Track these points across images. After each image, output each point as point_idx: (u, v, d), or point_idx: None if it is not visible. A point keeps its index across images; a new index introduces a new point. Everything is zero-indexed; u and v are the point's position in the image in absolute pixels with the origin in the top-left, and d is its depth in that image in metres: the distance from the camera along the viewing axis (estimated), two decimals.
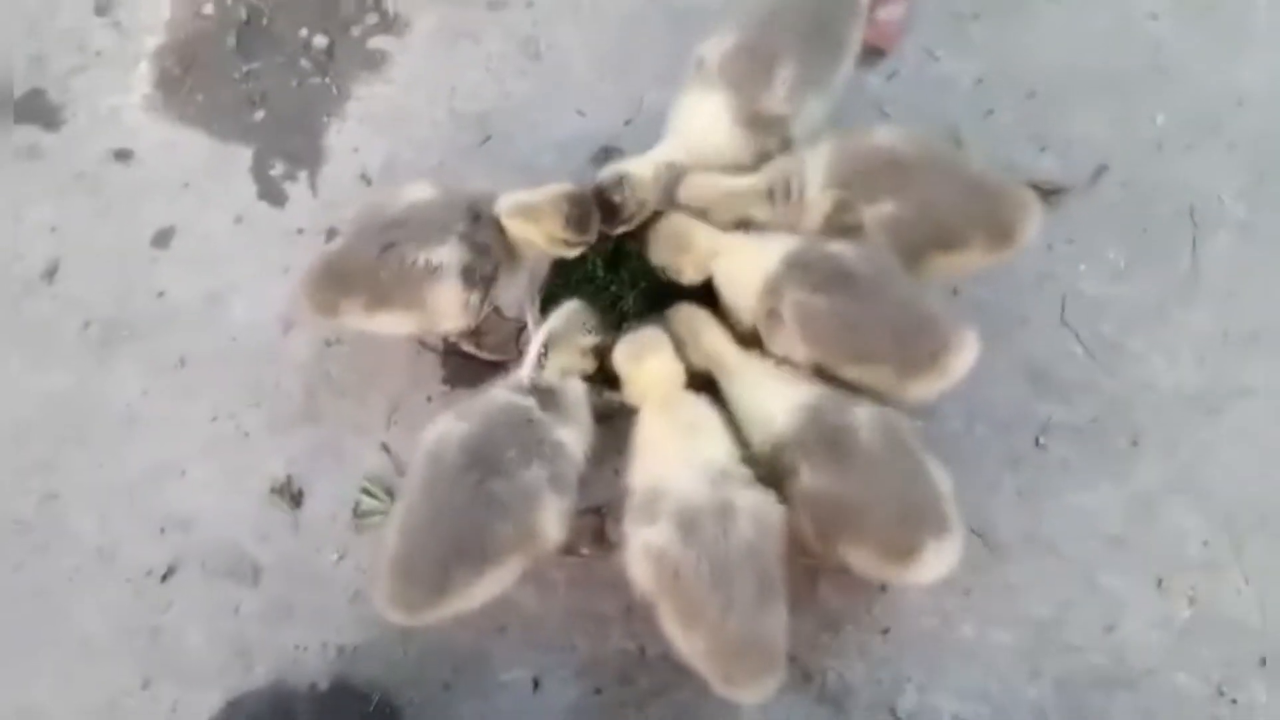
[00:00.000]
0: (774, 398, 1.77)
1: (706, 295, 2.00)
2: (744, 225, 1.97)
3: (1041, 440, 2.05)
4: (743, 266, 1.87)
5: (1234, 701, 1.87)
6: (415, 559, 1.68)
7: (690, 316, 1.90)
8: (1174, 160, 2.24)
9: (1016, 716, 1.89)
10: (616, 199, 1.95)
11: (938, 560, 1.69)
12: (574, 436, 1.80)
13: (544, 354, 1.85)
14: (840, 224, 1.88)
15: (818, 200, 1.89)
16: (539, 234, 1.93)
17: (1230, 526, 1.98)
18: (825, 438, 1.70)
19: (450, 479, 1.70)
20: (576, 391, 1.86)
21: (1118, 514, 2.00)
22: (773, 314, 1.81)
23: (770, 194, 1.92)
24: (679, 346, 1.87)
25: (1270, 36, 2.32)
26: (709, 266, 1.92)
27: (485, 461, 1.70)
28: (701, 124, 1.98)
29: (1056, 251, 2.17)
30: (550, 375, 1.84)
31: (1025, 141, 2.26)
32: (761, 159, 1.98)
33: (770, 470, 1.74)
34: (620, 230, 2.00)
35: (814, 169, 1.89)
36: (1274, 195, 2.20)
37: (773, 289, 1.80)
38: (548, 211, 1.92)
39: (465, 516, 1.68)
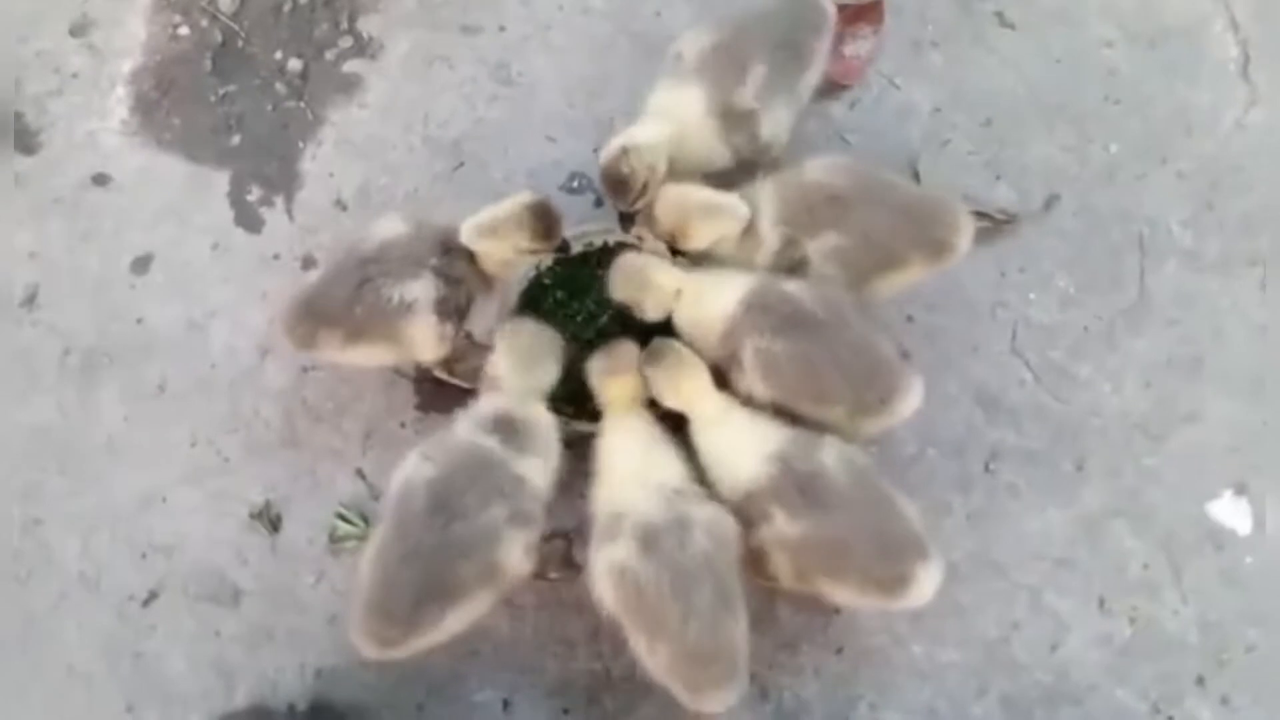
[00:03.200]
0: (742, 447, 1.76)
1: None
2: (707, 256, 1.95)
3: (991, 465, 2.04)
4: (702, 307, 1.85)
5: (1171, 718, 1.89)
6: (387, 599, 1.69)
7: (674, 360, 1.84)
8: (1125, 189, 2.22)
9: None
10: (625, 170, 1.89)
11: (929, 582, 1.71)
12: (537, 467, 1.79)
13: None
14: (788, 259, 1.89)
15: (767, 237, 1.89)
16: (506, 248, 1.90)
17: (1169, 549, 1.98)
18: (798, 485, 1.70)
19: (418, 523, 1.71)
20: (543, 422, 1.85)
21: (1063, 537, 2.00)
22: (733, 358, 1.80)
23: (750, 225, 1.90)
24: (655, 392, 1.84)
25: (1219, 66, 2.29)
26: (670, 305, 1.89)
27: (448, 506, 1.71)
28: (679, 111, 1.96)
29: (1009, 279, 2.16)
30: (517, 401, 1.82)
31: (981, 169, 2.24)
32: (735, 155, 1.98)
33: (740, 516, 1.73)
34: (638, 206, 1.93)
35: (763, 207, 1.90)
36: (1219, 223, 2.19)
37: (732, 333, 1.79)
38: (509, 225, 1.89)
39: (432, 558, 1.69)
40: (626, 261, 1.93)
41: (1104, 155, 2.24)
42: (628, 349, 1.87)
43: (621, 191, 1.91)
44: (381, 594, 1.69)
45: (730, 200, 1.90)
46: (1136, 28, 2.32)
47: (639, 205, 1.94)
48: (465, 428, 1.80)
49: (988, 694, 1.91)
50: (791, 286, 1.81)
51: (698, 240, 1.91)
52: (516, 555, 1.74)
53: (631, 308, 1.93)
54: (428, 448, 1.78)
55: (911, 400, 1.79)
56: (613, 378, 1.84)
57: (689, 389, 1.82)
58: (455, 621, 1.72)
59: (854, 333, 1.79)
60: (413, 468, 1.76)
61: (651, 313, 1.91)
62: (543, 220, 1.89)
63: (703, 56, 1.96)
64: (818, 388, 1.78)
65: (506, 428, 1.79)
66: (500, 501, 1.72)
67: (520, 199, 1.90)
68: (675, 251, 1.98)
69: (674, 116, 1.95)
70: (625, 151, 1.89)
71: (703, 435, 1.81)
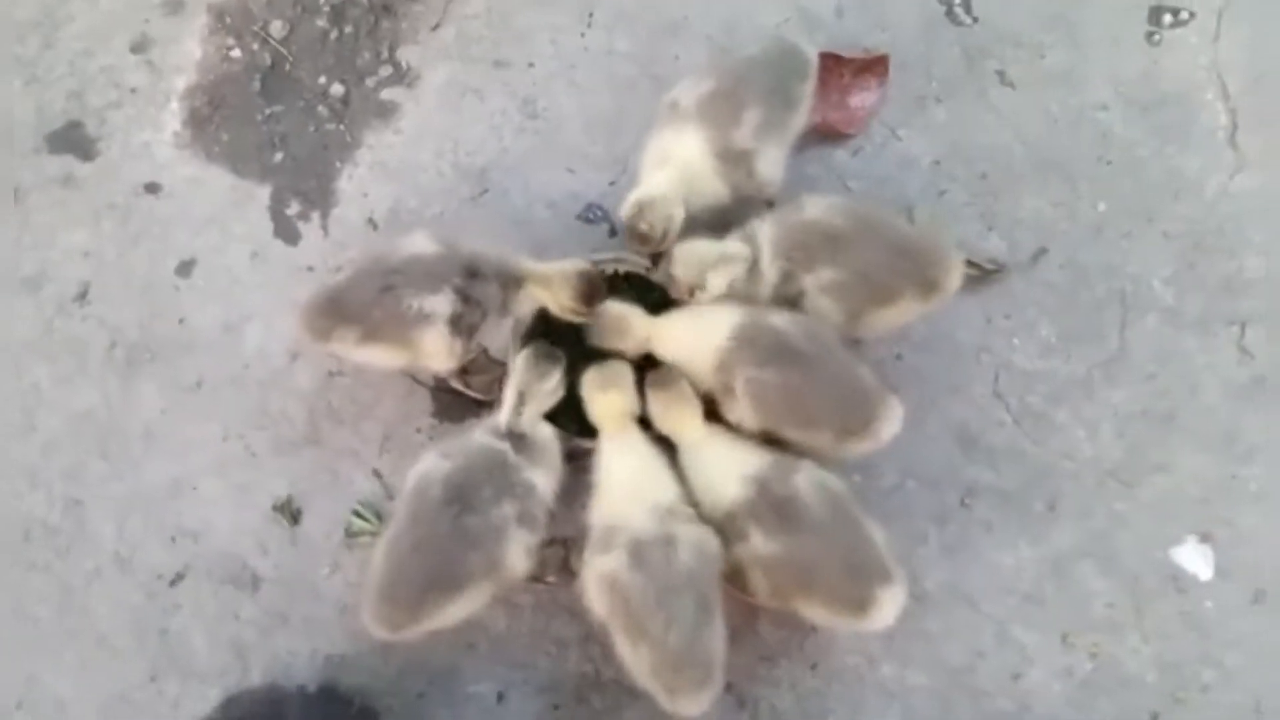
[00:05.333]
0: (724, 470, 1.87)
1: None
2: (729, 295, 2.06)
3: (967, 501, 2.14)
4: (692, 343, 1.97)
5: None
6: (397, 583, 1.82)
7: (675, 391, 1.96)
8: (1111, 245, 2.30)
9: None
10: (644, 226, 2.04)
11: (891, 606, 1.81)
12: (544, 477, 1.92)
13: (520, 404, 1.96)
14: (785, 293, 2.00)
15: (767, 272, 2.00)
16: (550, 300, 2.07)
17: (1133, 590, 2.07)
18: (774, 508, 1.81)
19: (432, 512, 1.83)
20: (547, 436, 1.98)
21: (1032, 573, 2.08)
22: (726, 388, 1.91)
23: (753, 262, 2.02)
24: (652, 409, 1.96)
25: (1209, 132, 2.37)
26: (646, 348, 2.03)
27: (462, 498, 1.83)
28: (683, 150, 2.09)
29: (995, 326, 2.25)
30: (526, 422, 1.95)
31: (975, 220, 2.33)
32: (734, 192, 2.10)
33: (721, 534, 1.84)
34: (661, 250, 2.07)
35: (763, 243, 2.01)
36: (1199, 283, 2.27)
37: (725, 365, 1.90)
38: (558, 283, 2.05)
39: (442, 546, 1.81)
40: (606, 313, 2.04)
41: (1093, 212, 2.33)
42: (620, 368, 2.00)
43: (645, 243, 2.05)
44: (392, 580, 1.81)
45: (735, 247, 2.02)
46: (1132, 93, 2.40)
47: (662, 250, 2.07)
48: (481, 434, 1.94)
49: (951, 717, 2.00)
50: (778, 320, 1.92)
51: (717, 289, 2.02)
52: (517, 555, 1.85)
53: (617, 353, 2.04)
54: (445, 447, 1.92)
55: (892, 424, 1.89)
56: (601, 393, 1.96)
57: (677, 416, 1.94)
58: (457, 610, 1.83)
59: (837, 362, 1.90)
60: (430, 463, 1.88)
61: (632, 355, 2.03)
62: (587, 288, 2.04)
63: (700, 103, 2.08)
64: (804, 414, 1.89)
65: (518, 439, 1.92)
66: (511, 500, 1.85)
67: (576, 263, 2.07)
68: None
69: (676, 158, 2.07)
70: (641, 207, 2.03)
71: (687, 458, 1.92)
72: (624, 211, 2.06)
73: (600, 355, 2.13)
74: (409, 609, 1.80)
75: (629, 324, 2.02)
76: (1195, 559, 2.08)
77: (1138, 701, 2.00)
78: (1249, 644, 2.03)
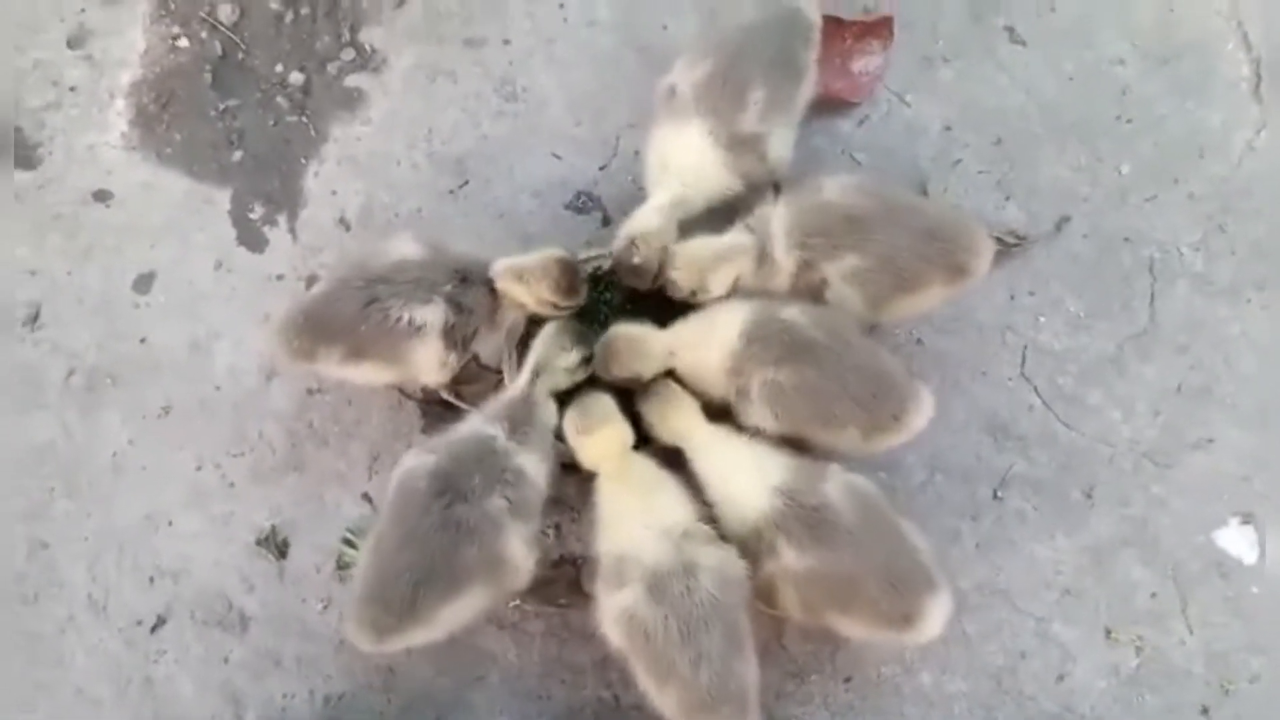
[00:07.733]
0: (746, 481, 1.69)
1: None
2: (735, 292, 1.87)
3: (999, 493, 1.97)
4: (699, 352, 1.77)
5: None
6: (385, 584, 1.63)
7: (660, 397, 1.79)
8: (1136, 211, 2.12)
9: None
10: (637, 261, 1.85)
11: (938, 616, 1.65)
12: (535, 463, 1.74)
13: (535, 376, 1.80)
14: (806, 282, 1.81)
15: (783, 262, 1.81)
16: (528, 296, 1.85)
17: (1178, 578, 1.92)
18: (804, 520, 1.63)
19: (418, 506, 1.64)
20: (548, 417, 1.79)
21: (1071, 565, 1.93)
22: (741, 392, 1.72)
23: (761, 252, 1.82)
24: (648, 427, 1.77)
25: (1231, 85, 2.18)
26: (667, 365, 1.81)
27: (452, 488, 1.65)
28: (686, 153, 1.89)
29: (1018, 303, 2.07)
30: (539, 394, 1.79)
31: (991, 190, 2.13)
32: (745, 179, 1.90)
33: (746, 549, 1.66)
34: (656, 286, 1.88)
35: (776, 230, 1.81)
36: (1230, 247, 2.10)
37: (737, 368, 1.72)
38: (536, 275, 1.83)
39: (433, 541, 1.63)
40: (617, 340, 1.82)
41: (1115, 176, 2.14)
42: (602, 400, 1.79)
43: (638, 276, 1.86)
44: (379, 581, 1.63)
45: (735, 240, 1.83)
46: (1149, 45, 2.21)
47: (658, 285, 1.88)
48: (470, 422, 1.76)
49: None
50: (789, 313, 1.74)
51: (719, 289, 1.84)
52: (519, 549, 1.68)
53: (629, 381, 1.83)
54: (428, 443, 1.74)
55: (923, 413, 1.72)
56: (590, 435, 1.75)
57: (675, 419, 1.76)
58: (452, 615, 1.65)
59: (857, 353, 1.72)
60: (413, 459, 1.70)
61: (648, 379, 1.82)
62: (567, 278, 1.84)
63: (698, 89, 1.87)
64: (828, 413, 1.71)
65: (514, 416, 1.74)
66: (503, 489, 1.67)
67: (550, 252, 1.85)
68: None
69: (683, 162, 1.87)
70: (634, 242, 1.83)
71: (704, 467, 1.73)
72: (616, 245, 1.87)
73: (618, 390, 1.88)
74: (398, 611, 1.60)
75: (645, 345, 1.81)
76: (1239, 541, 1.94)
77: (1186, 696, 1.86)
78: None
